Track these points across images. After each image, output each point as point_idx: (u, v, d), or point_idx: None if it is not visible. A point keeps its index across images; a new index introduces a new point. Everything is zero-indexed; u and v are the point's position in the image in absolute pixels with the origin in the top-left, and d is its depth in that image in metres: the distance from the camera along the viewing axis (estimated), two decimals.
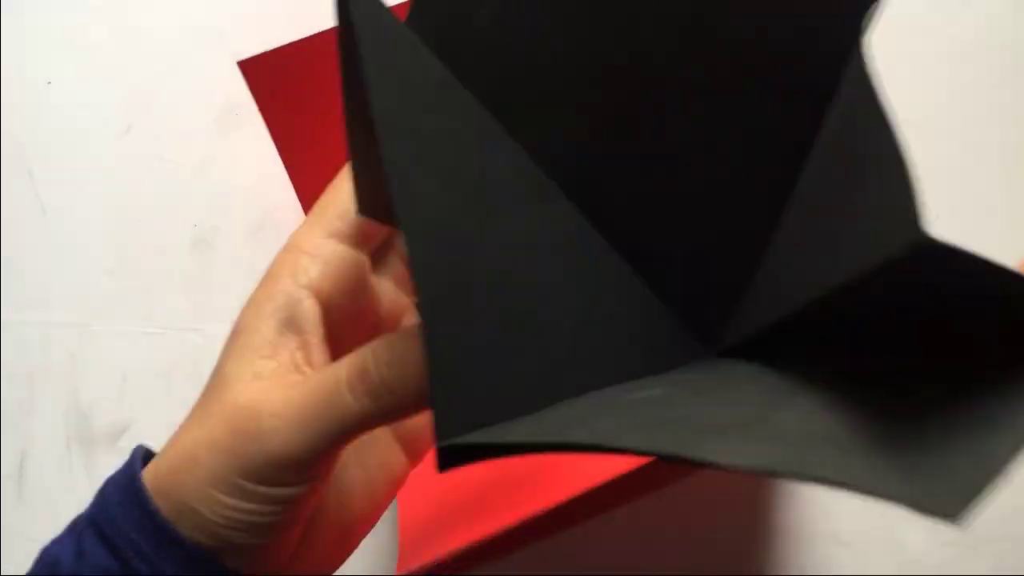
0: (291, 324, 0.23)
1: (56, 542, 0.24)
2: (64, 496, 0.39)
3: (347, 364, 0.21)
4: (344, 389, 0.20)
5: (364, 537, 0.25)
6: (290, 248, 0.26)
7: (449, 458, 0.18)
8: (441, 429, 0.17)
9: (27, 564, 0.40)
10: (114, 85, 0.39)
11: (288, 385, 0.21)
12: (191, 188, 0.39)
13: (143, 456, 0.24)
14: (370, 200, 0.21)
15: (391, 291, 0.26)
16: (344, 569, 0.25)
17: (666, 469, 0.25)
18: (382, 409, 0.20)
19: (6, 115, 0.39)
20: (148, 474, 0.23)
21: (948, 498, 0.17)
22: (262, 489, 0.21)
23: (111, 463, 0.39)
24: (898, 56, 0.38)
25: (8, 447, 0.39)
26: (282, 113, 0.33)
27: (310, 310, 0.23)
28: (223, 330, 0.39)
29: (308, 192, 0.33)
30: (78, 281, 0.39)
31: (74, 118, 0.39)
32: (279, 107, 0.33)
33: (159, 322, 0.39)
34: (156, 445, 0.39)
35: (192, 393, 0.39)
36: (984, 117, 0.38)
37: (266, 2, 0.39)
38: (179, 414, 0.39)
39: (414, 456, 0.25)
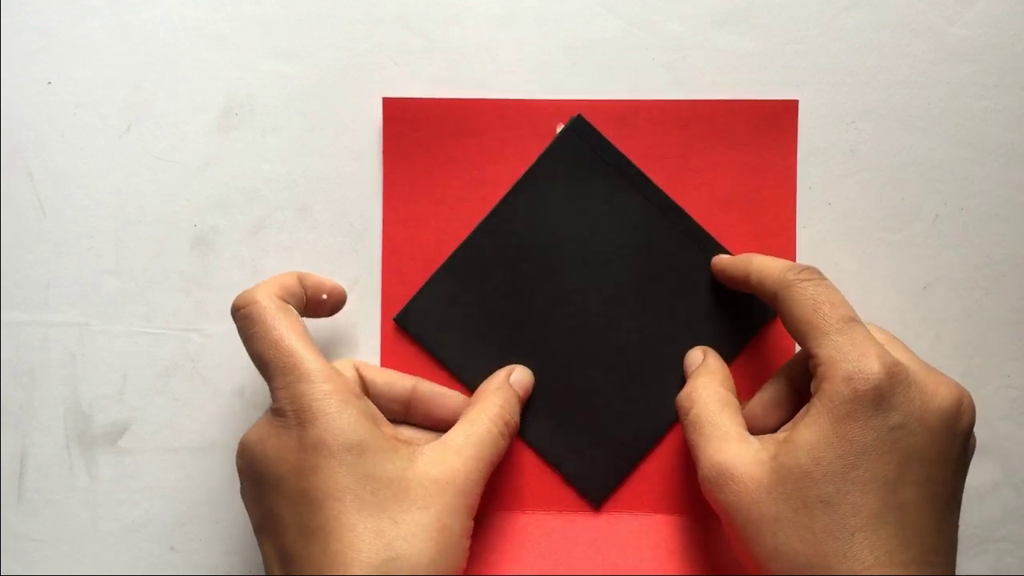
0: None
1: None
2: (64, 496, 0.39)
3: (492, 420, 0.34)
4: (498, 437, 0.34)
5: None
6: None
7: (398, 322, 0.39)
8: (398, 316, 0.39)
9: (27, 564, 0.40)
10: (114, 85, 0.39)
11: (456, 451, 0.33)
12: (191, 188, 0.39)
13: None
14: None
15: None
16: None
17: None
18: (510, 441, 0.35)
19: (6, 115, 0.39)
20: None
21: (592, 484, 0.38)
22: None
23: (111, 463, 0.39)
24: (898, 56, 0.38)
25: (8, 447, 0.39)
26: (402, 157, 0.38)
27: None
28: (223, 330, 0.39)
29: (396, 234, 0.39)
30: (78, 281, 0.39)
31: (74, 118, 0.39)
32: (403, 150, 0.38)
33: (159, 322, 0.39)
34: (156, 444, 0.39)
35: (192, 393, 0.39)
36: (984, 117, 0.38)
37: (266, 2, 0.39)
38: (179, 414, 0.39)
39: None
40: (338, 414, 0.31)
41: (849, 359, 0.30)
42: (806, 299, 0.32)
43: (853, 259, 0.38)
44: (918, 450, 0.29)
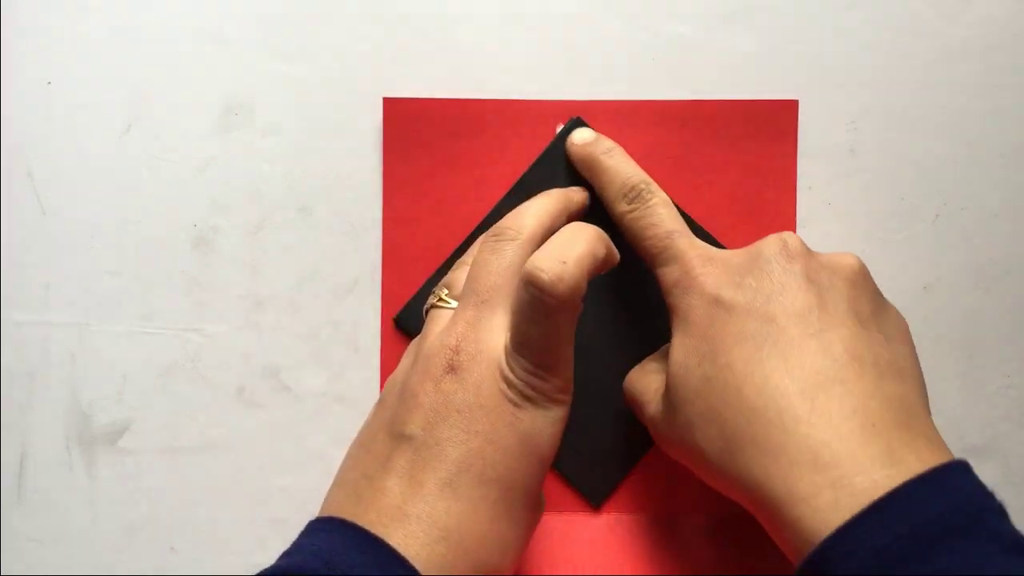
0: None
1: None
2: (64, 496, 0.39)
3: None
4: None
5: None
6: None
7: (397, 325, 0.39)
8: (398, 316, 0.39)
9: (27, 564, 0.40)
10: (114, 85, 0.39)
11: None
12: (191, 188, 0.39)
13: None
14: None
15: None
16: None
17: None
18: None
19: (6, 115, 0.39)
20: None
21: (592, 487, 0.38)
22: None
23: (111, 463, 0.39)
24: (898, 56, 0.38)
25: (8, 447, 0.39)
26: (402, 157, 0.38)
27: None
28: (223, 330, 0.39)
29: (396, 234, 0.39)
30: (78, 281, 0.39)
31: (74, 118, 0.39)
32: (403, 150, 0.38)
33: (159, 322, 0.39)
34: (156, 444, 0.39)
35: (192, 393, 0.39)
36: (984, 117, 0.38)
37: (266, 2, 0.39)
38: (179, 414, 0.39)
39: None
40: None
41: (675, 269, 0.33)
42: (635, 231, 0.34)
43: None
44: (761, 294, 0.30)
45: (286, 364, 0.39)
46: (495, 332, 0.30)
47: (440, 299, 0.33)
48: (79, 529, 0.39)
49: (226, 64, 0.39)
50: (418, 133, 0.38)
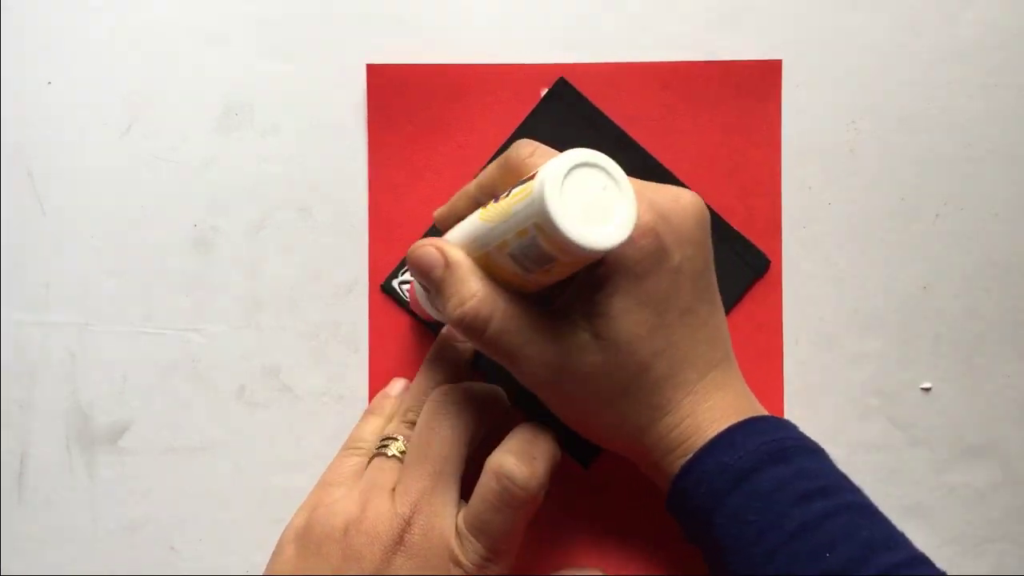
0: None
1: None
2: (64, 496, 0.39)
3: None
4: None
5: None
6: None
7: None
8: (385, 283, 0.39)
9: (27, 564, 0.40)
10: (114, 85, 0.39)
11: None
12: (191, 188, 0.39)
13: None
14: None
15: None
16: None
17: None
18: None
19: (6, 115, 0.39)
20: None
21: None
22: None
23: (111, 463, 0.39)
24: (898, 56, 0.38)
25: (8, 447, 0.39)
26: (387, 124, 0.38)
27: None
28: (223, 330, 0.39)
29: (381, 201, 0.39)
30: (78, 281, 0.39)
31: (74, 118, 0.39)
32: (387, 117, 0.38)
33: (159, 322, 0.39)
34: (156, 444, 0.39)
35: (192, 393, 0.39)
36: (984, 117, 0.38)
37: (265, 2, 0.39)
38: (179, 414, 0.39)
39: None
40: None
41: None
42: None
43: (853, 259, 0.38)
44: (691, 265, 0.31)
45: (286, 364, 0.39)
46: (448, 508, 0.32)
47: (386, 447, 0.34)
48: (79, 529, 0.39)
49: (226, 64, 0.39)
50: (402, 99, 0.38)
